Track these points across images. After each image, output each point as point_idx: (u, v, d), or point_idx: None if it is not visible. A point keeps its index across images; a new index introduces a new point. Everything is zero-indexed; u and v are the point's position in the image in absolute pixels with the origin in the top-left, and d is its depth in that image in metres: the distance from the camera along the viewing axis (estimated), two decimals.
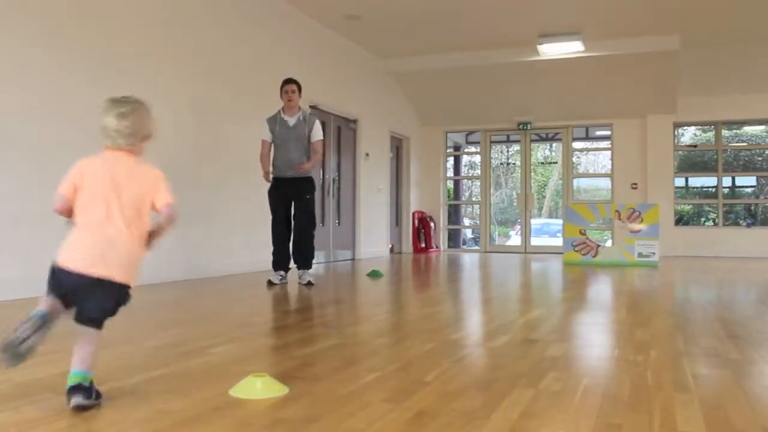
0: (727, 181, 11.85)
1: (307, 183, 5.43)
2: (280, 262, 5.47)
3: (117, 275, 1.83)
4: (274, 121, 5.48)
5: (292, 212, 5.47)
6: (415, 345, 2.78)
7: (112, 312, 1.87)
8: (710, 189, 12.25)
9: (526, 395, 1.95)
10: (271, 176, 5.44)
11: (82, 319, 1.83)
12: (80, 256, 1.82)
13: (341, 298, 4.78)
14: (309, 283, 5.33)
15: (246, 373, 2.06)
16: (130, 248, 1.87)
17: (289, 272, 5.53)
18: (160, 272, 5.35)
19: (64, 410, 1.77)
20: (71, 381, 1.78)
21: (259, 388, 1.93)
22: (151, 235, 1.95)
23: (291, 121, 5.45)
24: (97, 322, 1.84)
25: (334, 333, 3.13)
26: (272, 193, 5.47)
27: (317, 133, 5.47)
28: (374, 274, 6.33)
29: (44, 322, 1.75)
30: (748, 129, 12.67)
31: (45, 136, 4.53)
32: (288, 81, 5.53)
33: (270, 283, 5.36)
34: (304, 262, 5.45)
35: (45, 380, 2.12)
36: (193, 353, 2.60)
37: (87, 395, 1.77)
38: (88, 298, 1.81)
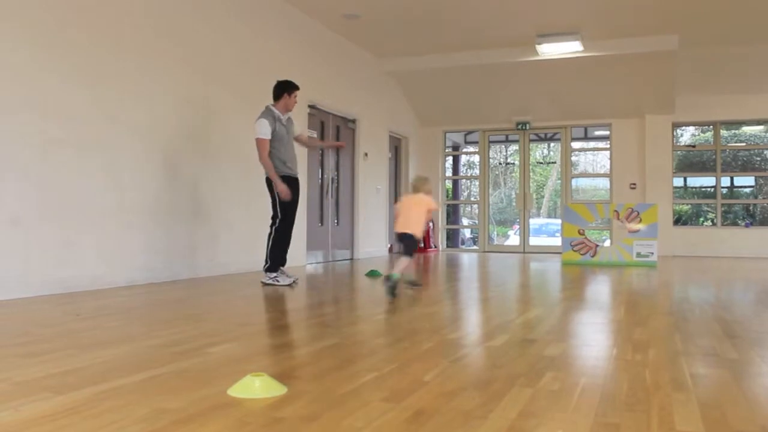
0: (725, 181, 11.86)
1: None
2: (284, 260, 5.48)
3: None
4: (273, 120, 5.30)
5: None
6: (413, 345, 2.78)
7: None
8: (709, 189, 12.26)
9: (524, 394, 1.95)
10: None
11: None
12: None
13: (340, 298, 4.78)
14: (264, 283, 5.29)
15: (244, 372, 2.06)
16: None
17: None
18: (160, 272, 5.37)
19: (64, 410, 1.77)
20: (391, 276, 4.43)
21: (257, 387, 1.93)
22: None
23: (285, 119, 5.46)
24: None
25: (333, 332, 3.14)
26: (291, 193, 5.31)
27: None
28: (373, 274, 6.33)
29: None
30: (747, 129, 12.67)
31: (43, 136, 4.53)
32: (298, 87, 5.54)
33: (294, 283, 5.35)
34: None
35: (45, 380, 2.12)
36: (192, 352, 2.61)
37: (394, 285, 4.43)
38: None
